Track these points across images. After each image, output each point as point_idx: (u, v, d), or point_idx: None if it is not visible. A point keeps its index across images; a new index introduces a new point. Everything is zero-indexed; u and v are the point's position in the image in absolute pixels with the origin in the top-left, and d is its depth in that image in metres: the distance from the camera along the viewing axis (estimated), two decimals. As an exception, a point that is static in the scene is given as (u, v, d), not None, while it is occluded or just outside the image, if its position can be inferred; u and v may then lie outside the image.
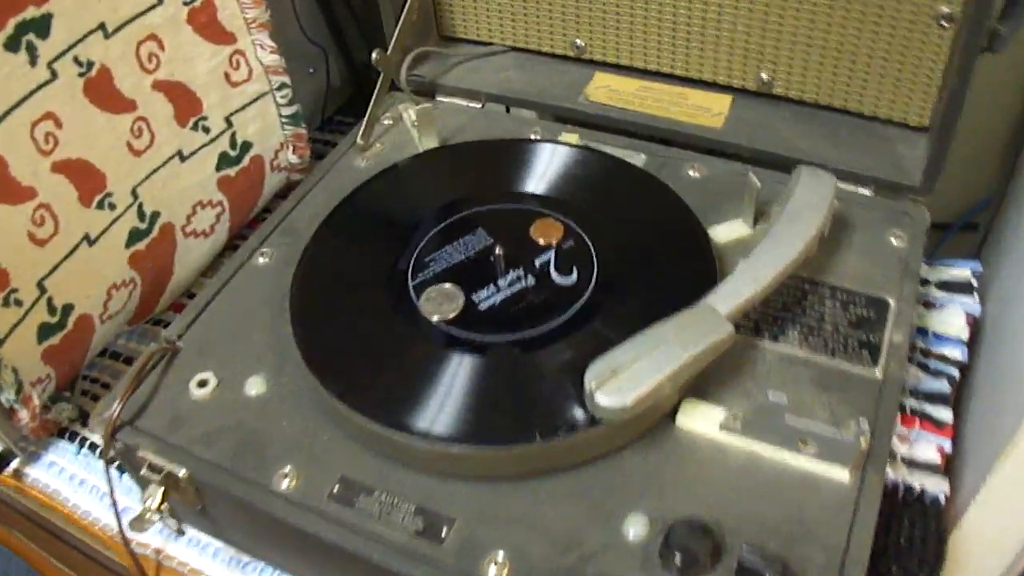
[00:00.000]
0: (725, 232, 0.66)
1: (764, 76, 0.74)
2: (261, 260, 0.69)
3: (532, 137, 0.75)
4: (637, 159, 0.73)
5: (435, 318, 0.60)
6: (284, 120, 0.82)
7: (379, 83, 0.76)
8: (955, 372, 0.67)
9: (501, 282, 0.61)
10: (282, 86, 0.80)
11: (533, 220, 0.65)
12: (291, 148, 0.84)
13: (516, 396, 0.55)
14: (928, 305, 0.70)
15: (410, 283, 0.62)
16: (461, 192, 0.69)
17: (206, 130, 0.77)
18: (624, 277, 0.61)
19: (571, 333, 0.58)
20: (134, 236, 0.74)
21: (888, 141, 0.71)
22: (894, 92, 0.70)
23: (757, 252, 0.58)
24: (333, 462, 0.55)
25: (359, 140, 0.76)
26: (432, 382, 0.56)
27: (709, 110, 0.75)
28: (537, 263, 0.62)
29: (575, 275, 0.61)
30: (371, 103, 0.76)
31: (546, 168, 0.70)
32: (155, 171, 0.74)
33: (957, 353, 0.68)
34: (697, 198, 0.68)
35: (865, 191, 0.69)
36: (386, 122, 0.79)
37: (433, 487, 0.53)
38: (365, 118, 0.76)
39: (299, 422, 0.58)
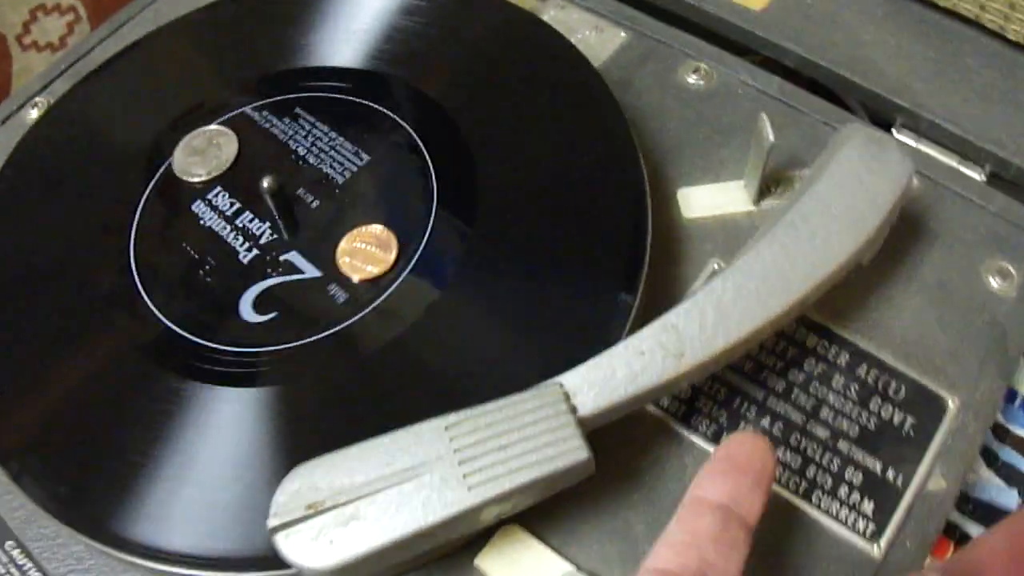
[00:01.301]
0: (706, 200, 0.38)
1: (859, -66, 0.43)
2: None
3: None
4: (610, 39, 0.44)
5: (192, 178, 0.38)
6: None
7: None
8: (1037, 476, 0.39)
9: (237, 216, 0.37)
10: None
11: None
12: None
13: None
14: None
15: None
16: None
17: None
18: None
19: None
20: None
21: (1039, 92, 0.41)
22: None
23: (714, 285, 0.30)
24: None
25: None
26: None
27: (754, -24, 0.45)
28: (283, 258, 0.36)
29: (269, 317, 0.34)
30: None
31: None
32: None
33: (1050, 443, 0.40)
34: (682, 127, 0.40)
35: (973, 173, 0.39)
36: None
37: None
38: None
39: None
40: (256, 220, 0.36)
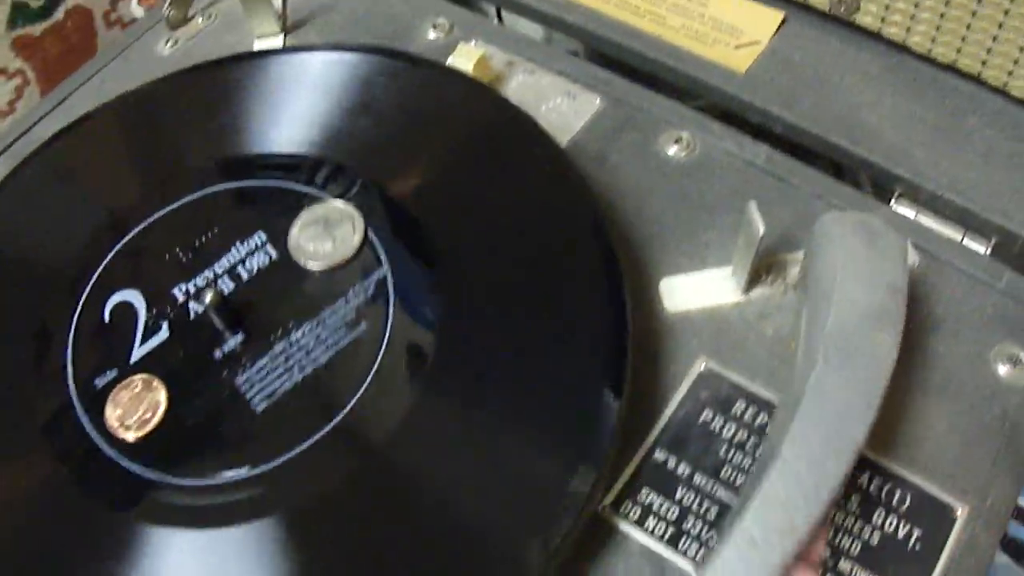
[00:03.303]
0: (691, 291, 0.36)
1: (849, -12, 0.41)
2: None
3: (433, 39, 0.44)
4: (584, 105, 0.41)
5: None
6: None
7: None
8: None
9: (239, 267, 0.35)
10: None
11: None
12: (136, -2, 0.60)
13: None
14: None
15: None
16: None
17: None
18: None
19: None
20: None
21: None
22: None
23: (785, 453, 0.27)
24: None
25: (166, 10, 0.46)
26: None
27: (738, 34, 0.42)
28: (168, 319, 0.34)
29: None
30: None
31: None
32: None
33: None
34: (664, 206, 0.38)
35: (977, 246, 0.37)
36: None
37: None
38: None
39: None
40: (228, 283, 0.34)
